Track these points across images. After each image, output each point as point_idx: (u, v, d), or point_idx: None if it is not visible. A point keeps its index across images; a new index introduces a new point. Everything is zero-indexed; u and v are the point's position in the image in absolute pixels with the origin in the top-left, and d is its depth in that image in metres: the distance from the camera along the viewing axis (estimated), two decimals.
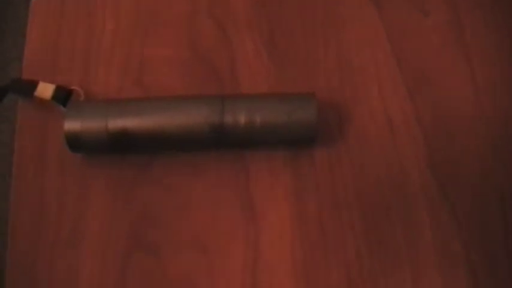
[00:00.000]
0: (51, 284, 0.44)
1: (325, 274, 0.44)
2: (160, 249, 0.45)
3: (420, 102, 0.49)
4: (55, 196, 0.47)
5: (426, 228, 0.45)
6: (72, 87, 0.49)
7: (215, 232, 0.45)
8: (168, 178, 0.47)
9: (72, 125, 0.45)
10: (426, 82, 0.50)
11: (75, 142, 0.45)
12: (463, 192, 0.46)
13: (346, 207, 0.46)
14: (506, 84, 0.50)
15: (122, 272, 0.44)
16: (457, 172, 0.47)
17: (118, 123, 0.45)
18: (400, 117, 0.49)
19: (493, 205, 0.46)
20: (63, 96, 0.48)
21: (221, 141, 0.45)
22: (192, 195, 0.47)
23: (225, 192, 0.47)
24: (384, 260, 0.44)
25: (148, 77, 0.51)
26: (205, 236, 0.45)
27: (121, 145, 0.45)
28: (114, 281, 0.44)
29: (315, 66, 0.51)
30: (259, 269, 0.44)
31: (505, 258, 0.44)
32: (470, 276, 0.44)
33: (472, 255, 0.44)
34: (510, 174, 0.47)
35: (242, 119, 0.44)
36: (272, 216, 0.46)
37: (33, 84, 0.49)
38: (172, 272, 0.44)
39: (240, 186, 0.47)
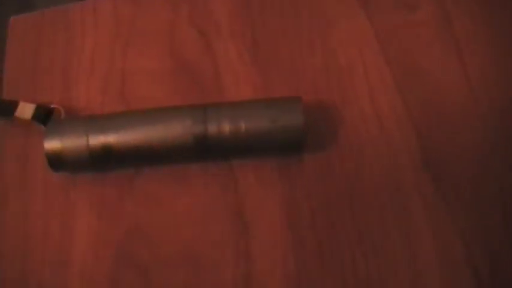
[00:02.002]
0: None
1: (320, 285, 0.42)
2: (149, 266, 0.44)
3: (411, 99, 0.48)
4: (40, 218, 0.46)
5: (424, 230, 0.43)
6: (53, 106, 0.48)
7: (205, 245, 0.44)
8: (153, 192, 0.46)
9: (52, 144, 0.43)
10: (417, 79, 0.48)
11: (56, 161, 0.44)
12: (460, 190, 0.44)
13: (339, 213, 0.44)
14: (499, 75, 0.48)
15: None
16: (453, 169, 0.45)
17: (99, 139, 0.43)
18: (391, 116, 0.47)
19: (492, 201, 0.44)
20: (43, 115, 0.47)
21: (207, 151, 0.44)
22: (180, 209, 0.45)
23: (214, 203, 0.45)
24: (381, 266, 0.43)
25: (130, 90, 0.50)
26: (195, 250, 0.44)
27: (104, 161, 0.44)
28: None
29: (301, 68, 0.50)
30: (252, 282, 0.43)
31: (508, 256, 0.42)
32: (473, 277, 0.42)
33: (473, 255, 0.43)
34: (508, 167, 0.45)
35: (226, 127, 0.43)
36: (263, 226, 0.44)
37: (13, 105, 0.48)
38: None
39: (228, 197, 0.45)
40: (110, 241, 0.45)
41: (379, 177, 0.45)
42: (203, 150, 0.44)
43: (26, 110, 0.47)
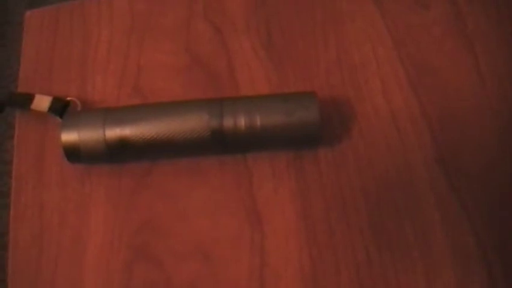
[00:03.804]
0: None
1: (334, 278, 0.43)
2: (163, 258, 0.44)
3: (424, 96, 0.48)
4: (55, 209, 0.46)
5: (437, 225, 0.44)
6: (69, 98, 0.48)
7: (219, 239, 0.44)
8: (169, 185, 0.46)
9: (69, 136, 0.44)
10: (430, 75, 0.49)
11: (73, 153, 0.44)
12: (473, 186, 0.45)
13: (353, 207, 0.45)
14: (511, 72, 0.48)
15: (125, 284, 0.43)
16: (466, 165, 0.45)
17: (116, 131, 0.44)
18: (404, 112, 0.47)
19: (505, 196, 0.44)
20: (59, 107, 0.48)
21: (222, 145, 0.44)
22: (195, 202, 0.46)
23: (228, 197, 0.46)
24: (395, 260, 0.43)
25: (146, 83, 0.50)
26: (209, 243, 0.44)
27: (120, 153, 0.45)
28: None
29: (315, 64, 0.50)
30: (266, 275, 0.43)
31: None
32: (486, 272, 0.42)
33: (486, 251, 0.43)
34: None
35: (242, 121, 0.43)
36: (277, 220, 0.45)
37: (30, 97, 0.48)
38: (176, 281, 0.43)
39: (243, 191, 0.46)
40: (125, 232, 0.45)
41: (393, 172, 0.45)
42: (219, 143, 0.44)
43: (42, 103, 0.48)
